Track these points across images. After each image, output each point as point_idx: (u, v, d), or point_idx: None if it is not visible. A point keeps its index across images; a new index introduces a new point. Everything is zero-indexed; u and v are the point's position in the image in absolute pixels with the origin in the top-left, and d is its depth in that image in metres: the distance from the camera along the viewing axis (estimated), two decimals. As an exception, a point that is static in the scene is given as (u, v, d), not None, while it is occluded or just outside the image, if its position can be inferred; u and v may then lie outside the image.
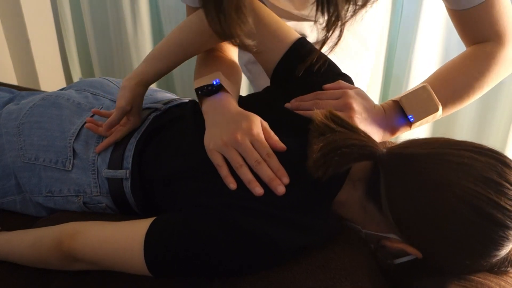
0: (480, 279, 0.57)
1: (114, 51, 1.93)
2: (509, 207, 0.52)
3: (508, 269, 0.59)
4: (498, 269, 0.58)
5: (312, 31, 0.97)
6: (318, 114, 0.62)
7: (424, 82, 0.77)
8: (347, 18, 0.67)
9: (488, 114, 1.45)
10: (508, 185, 0.53)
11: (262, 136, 0.66)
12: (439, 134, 1.58)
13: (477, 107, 1.46)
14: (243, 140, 0.65)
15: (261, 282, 0.60)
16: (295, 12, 0.88)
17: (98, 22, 1.89)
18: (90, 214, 0.80)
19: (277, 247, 0.59)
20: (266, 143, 0.65)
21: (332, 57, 1.03)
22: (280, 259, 0.61)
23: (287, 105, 0.74)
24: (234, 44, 0.73)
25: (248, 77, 1.17)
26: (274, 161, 0.64)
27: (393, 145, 0.62)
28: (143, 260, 0.61)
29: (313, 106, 0.71)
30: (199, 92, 0.74)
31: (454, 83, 0.77)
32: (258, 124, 0.67)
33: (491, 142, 1.48)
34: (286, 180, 0.63)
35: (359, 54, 1.10)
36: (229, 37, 0.69)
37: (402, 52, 1.51)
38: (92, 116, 0.83)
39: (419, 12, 1.35)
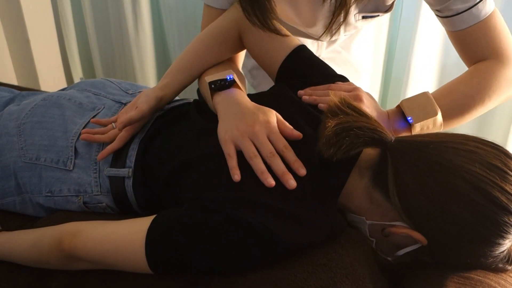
0: (480, 277, 0.57)
1: (115, 50, 1.93)
2: None
3: (508, 266, 0.59)
4: (497, 266, 0.58)
5: (312, 46, 1.03)
6: (332, 98, 0.65)
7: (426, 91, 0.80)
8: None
9: (488, 115, 1.45)
10: (510, 172, 0.55)
11: (278, 130, 0.67)
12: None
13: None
14: (260, 132, 0.66)
15: (261, 280, 0.60)
16: (302, 29, 0.92)
17: (99, 22, 1.89)
18: (90, 214, 0.80)
19: (279, 243, 0.59)
20: (282, 137, 0.66)
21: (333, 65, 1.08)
22: (281, 255, 0.61)
23: (300, 92, 0.77)
24: (267, 30, 0.78)
25: (252, 84, 1.20)
26: (291, 154, 0.65)
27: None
28: (144, 257, 0.62)
29: (326, 94, 0.74)
30: (212, 86, 0.75)
31: (455, 92, 0.79)
32: (274, 118, 0.68)
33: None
34: (303, 171, 0.63)
35: (355, 73, 1.18)
36: (265, 26, 0.76)
37: (401, 54, 1.52)
38: (87, 124, 0.83)
39: (418, 14, 1.36)
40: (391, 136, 0.62)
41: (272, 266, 0.61)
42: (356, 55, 1.15)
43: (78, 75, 2.06)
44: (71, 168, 0.79)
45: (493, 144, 0.59)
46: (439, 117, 0.75)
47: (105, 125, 0.82)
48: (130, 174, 0.76)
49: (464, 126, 1.50)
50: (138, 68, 1.91)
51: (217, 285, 0.63)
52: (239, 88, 0.76)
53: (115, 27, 1.87)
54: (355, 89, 0.75)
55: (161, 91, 0.81)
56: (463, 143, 0.58)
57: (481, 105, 0.79)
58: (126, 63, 1.93)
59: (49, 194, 0.81)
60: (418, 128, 0.75)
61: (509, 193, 0.54)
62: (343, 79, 0.81)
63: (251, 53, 0.89)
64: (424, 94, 0.76)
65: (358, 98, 0.73)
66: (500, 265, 0.59)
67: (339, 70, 0.83)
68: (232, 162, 0.65)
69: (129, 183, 0.76)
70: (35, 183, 0.81)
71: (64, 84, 1.91)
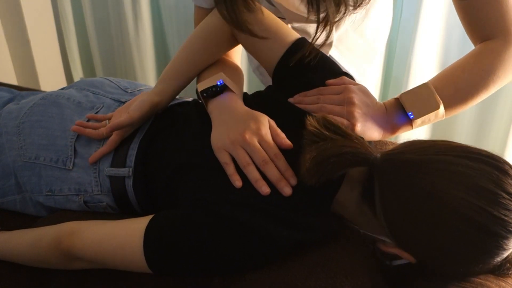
0: (480, 280, 0.57)
1: (115, 50, 1.94)
2: (503, 217, 0.51)
3: (509, 271, 0.58)
4: (498, 272, 0.58)
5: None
6: (310, 120, 0.61)
7: (427, 81, 0.77)
8: (337, 18, 0.67)
9: (488, 114, 1.45)
10: (504, 194, 0.51)
11: (270, 136, 0.66)
12: (439, 136, 1.59)
13: (476, 107, 1.46)
14: (251, 140, 0.65)
15: (261, 281, 0.61)
16: (302, 13, 0.87)
17: (99, 21, 1.90)
18: (90, 214, 0.80)
19: (276, 244, 0.60)
20: (274, 144, 0.66)
21: (338, 56, 1.00)
22: (278, 255, 0.62)
23: (290, 99, 0.75)
24: (242, 31, 0.74)
25: (261, 80, 1.16)
26: (282, 162, 0.64)
27: (388, 148, 0.62)
28: (143, 257, 0.62)
29: (316, 101, 0.72)
30: (204, 95, 0.74)
31: (457, 81, 0.75)
32: (266, 124, 0.67)
33: (491, 142, 1.48)
34: (294, 181, 0.63)
35: (366, 54, 1.08)
36: (236, 24, 0.72)
37: (401, 53, 1.52)
38: (88, 120, 0.83)
39: (419, 13, 1.36)
40: (375, 154, 0.59)
41: (271, 266, 0.62)
42: (368, 38, 1.03)
43: (78, 75, 2.07)
44: (71, 168, 0.79)
45: (487, 159, 0.54)
46: (441, 109, 0.72)
47: (100, 120, 0.82)
48: (130, 173, 0.76)
49: (464, 127, 1.50)
50: (138, 68, 1.91)
51: (217, 286, 0.63)
52: (232, 91, 0.74)
53: (115, 27, 1.87)
54: (345, 89, 0.72)
55: (158, 97, 0.80)
56: (452, 163, 0.54)
57: (485, 91, 0.74)
58: (126, 63, 1.93)
59: (49, 193, 0.81)
60: (419, 122, 0.73)
61: (498, 217, 0.51)
62: (346, 75, 0.78)
63: (247, 50, 0.87)
64: (425, 86, 0.73)
65: (348, 101, 0.70)
66: (503, 271, 0.57)
67: (346, 53, 0.77)
68: (230, 169, 0.64)
69: (129, 183, 0.76)
70: (35, 182, 0.81)
71: (64, 85, 1.91)
